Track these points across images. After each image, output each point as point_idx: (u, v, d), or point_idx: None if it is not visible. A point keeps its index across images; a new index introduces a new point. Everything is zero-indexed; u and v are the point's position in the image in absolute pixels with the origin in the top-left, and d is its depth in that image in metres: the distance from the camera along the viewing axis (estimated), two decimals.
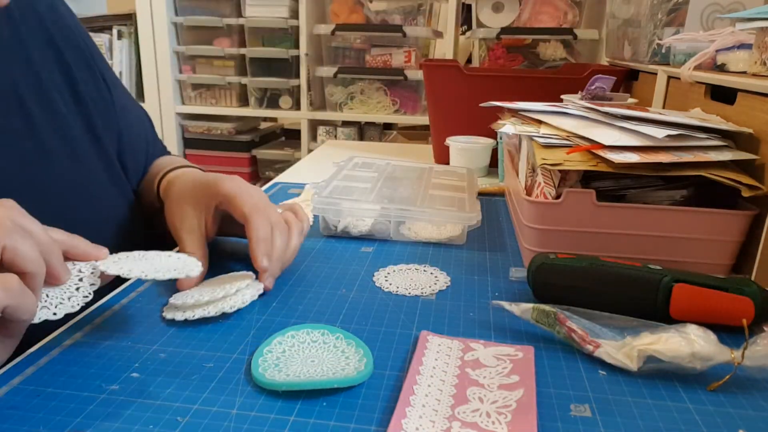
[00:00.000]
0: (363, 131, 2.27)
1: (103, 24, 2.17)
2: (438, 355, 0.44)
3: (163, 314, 0.50)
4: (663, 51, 0.95)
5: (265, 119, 2.50)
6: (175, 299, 0.51)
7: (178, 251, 0.55)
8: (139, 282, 0.57)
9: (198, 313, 0.49)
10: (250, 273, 0.55)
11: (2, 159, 0.51)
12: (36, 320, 0.40)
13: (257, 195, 0.57)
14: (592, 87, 0.86)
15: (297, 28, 2.07)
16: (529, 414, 0.37)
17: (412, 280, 0.59)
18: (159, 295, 0.54)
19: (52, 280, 0.42)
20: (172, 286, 0.56)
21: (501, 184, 0.97)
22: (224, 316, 0.49)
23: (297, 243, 0.58)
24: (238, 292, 0.51)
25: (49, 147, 0.55)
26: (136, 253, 0.50)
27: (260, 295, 0.53)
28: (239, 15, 2.12)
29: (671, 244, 0.59)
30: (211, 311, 0.49)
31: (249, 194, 0.56)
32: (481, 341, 0.46)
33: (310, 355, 0.44)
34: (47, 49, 0.58)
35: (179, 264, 0.49)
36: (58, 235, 0.44)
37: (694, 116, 0.67)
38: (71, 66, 0.60)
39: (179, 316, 0.49)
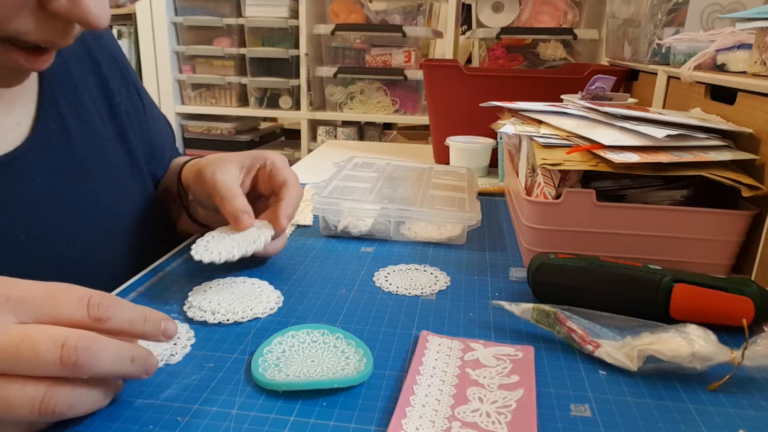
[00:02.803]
0: (363, 131, 2.27)
1: None
2: (438, 355, 0.44)
3: (192, 253, 0.52)
4: (663, 51, 0.95)
5: (265, 119, 2.50)
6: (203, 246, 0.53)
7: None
8: (139, 282, 0.57)
9: (224, 256, 0.51)
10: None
11: (43, 175, 0.50)
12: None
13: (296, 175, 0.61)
14: (592, 87, 0.86)
15: (297, 28, 2.07)
16: (529, 414, 0.37)
17: (412, 280, 0.59)
18: (158, 295, 0.54)
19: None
20: (175, 288, 0.56)
21: (501, 184, 0.97)
22: (224, 317, 0.49)
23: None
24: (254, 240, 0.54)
25: (86, 164, 0.55)
26: (216, 233, 0.55)
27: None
28: (239, 15, 2.13)
29: (671, 244, 0.59)
30: (236, 255, 0.51)
31: (291, 170, 0.60)
32: (481, 341, 0.46)
33: (310, 355, 0.44)
34: (86, 61, 0.58)
35: (255, 234, 0.54)
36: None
37: (694, 116, 0.67)
38: (108, 78, 0.60)
39: (206, 258, 0.51)
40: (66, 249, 0.52)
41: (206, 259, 0.50)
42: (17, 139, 0.49)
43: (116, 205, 0.58)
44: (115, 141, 0.60)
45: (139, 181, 0.63)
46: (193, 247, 0.52)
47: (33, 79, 0.52)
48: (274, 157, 0.60)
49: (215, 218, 0.60)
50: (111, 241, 0.57)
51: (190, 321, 0.49)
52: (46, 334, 0.32)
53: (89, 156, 0.55)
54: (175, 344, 0.45)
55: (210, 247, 0.52)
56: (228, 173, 0.57)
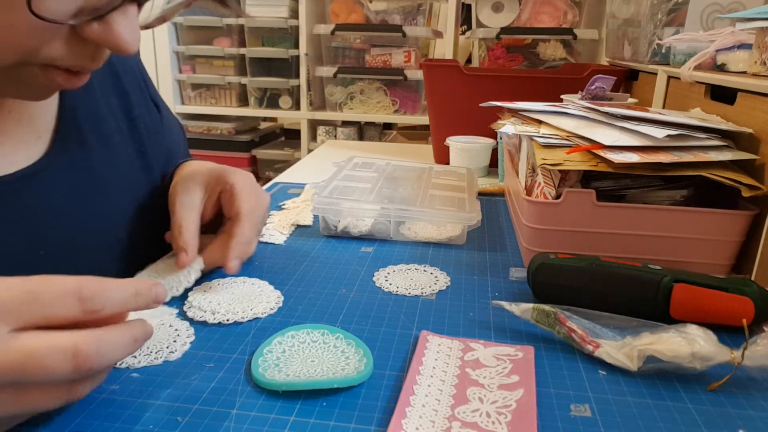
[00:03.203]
0: (363, 131, 2.27)
1: None
2: (438, 355, 0.44)
3: None
4: (663, 51, 0.95)
5: (264, 119, 2.50)
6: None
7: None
8: None
9: None
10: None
11: (61, 190, 0.50)
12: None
13: (258, 198, 0.58)
14: (592, 87, 0.86)
15: (297, 28, 2.07)
16: (529, 414, 0.37)
17: (412, 280, 0.59)
18: None
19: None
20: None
21: (501, 184, 0.97)
22: (224, 317, 0.49)
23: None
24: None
25: (103, 179, 0.55)
26: (152, 271, 0.54)
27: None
28: (239, 15, 2.12)
29: (671, 244, 0.59)
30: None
31: (251, 195, 0.57)
32: (481, 341, 0.46)
33: (310, 355, 0.44)
34: (108, 75, 0.58)
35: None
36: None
37: (694, 116, 0.68)
38: (128, 92, 0.60)
39: None
40: (80, 263, 0.52)
41: None
42: (37, 154, 0.49)
43: (131, 217, 0.58)
44: (133, 155, 0.60)
45: (154, 193, 0.63)
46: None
47: (54, 94, 0.52)
48: (237, 179, 0.57)
49: (209, 218, 0.60)
50: (122, 251, 0.57)
51: (190, 321, 0.49)
52: (51, 346, 0.31)
53: (107, 171, 0.55)
54: (175, 341, 0.45)
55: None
56: (189, 198, 0.56)
